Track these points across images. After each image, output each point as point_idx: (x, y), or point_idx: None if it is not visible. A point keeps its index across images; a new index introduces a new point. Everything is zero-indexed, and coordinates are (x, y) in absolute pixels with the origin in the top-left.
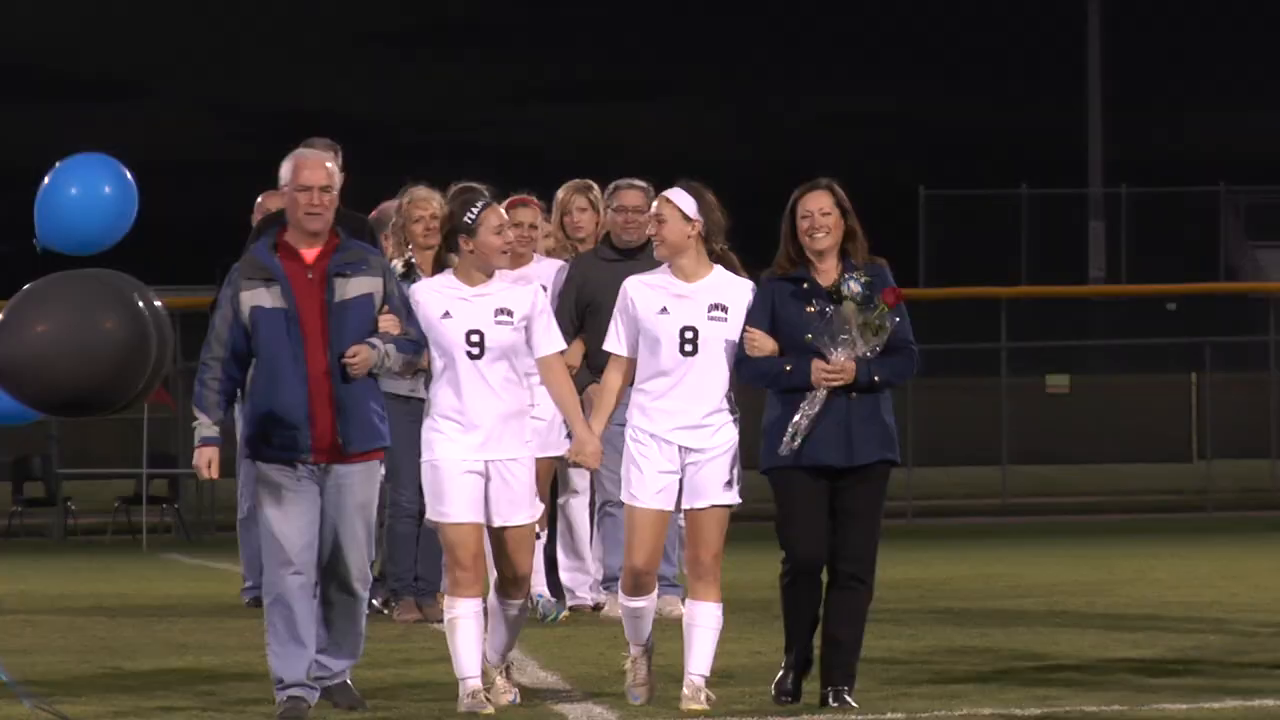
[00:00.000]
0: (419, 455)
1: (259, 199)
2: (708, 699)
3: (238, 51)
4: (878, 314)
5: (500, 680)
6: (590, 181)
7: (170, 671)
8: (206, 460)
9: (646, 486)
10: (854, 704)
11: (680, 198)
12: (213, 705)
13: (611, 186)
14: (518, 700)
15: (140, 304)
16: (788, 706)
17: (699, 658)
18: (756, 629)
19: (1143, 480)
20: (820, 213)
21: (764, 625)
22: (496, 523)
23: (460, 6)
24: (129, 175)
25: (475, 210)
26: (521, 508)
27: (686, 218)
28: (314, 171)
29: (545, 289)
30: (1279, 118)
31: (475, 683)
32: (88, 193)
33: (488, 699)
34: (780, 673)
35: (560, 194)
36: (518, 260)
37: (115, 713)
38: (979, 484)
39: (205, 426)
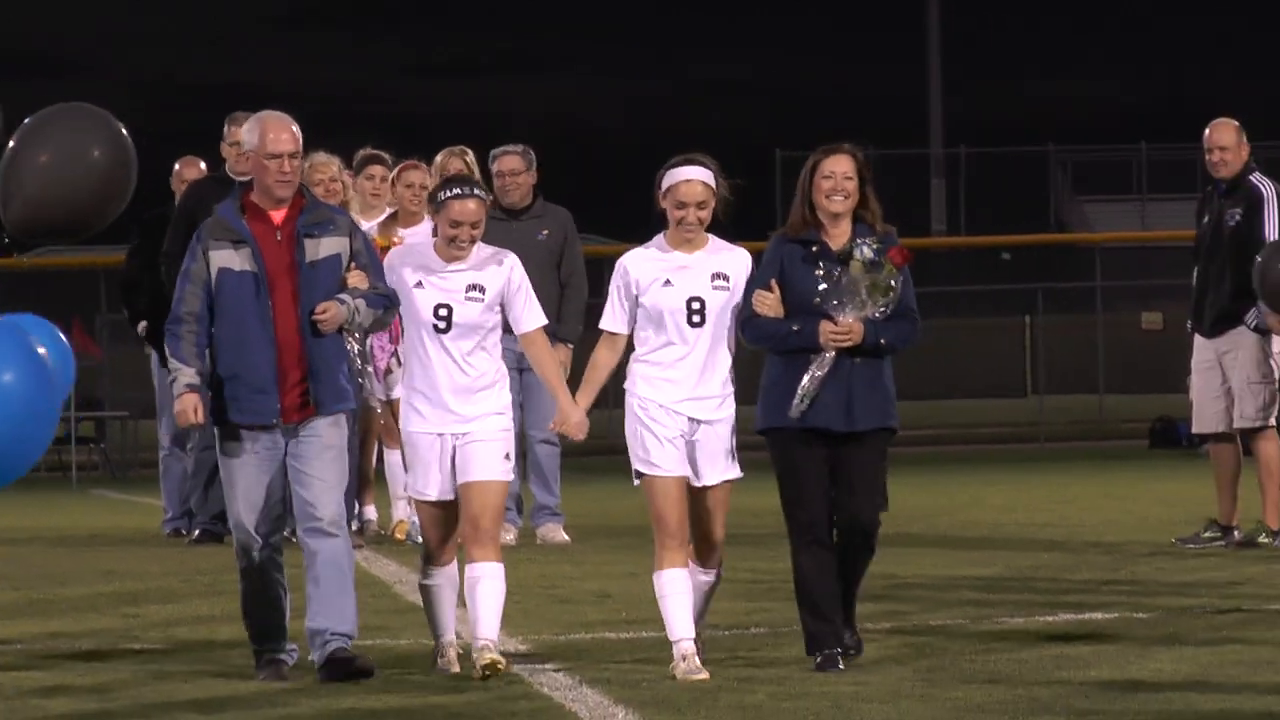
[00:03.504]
0: None
1: (176, 166)
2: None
3: (159, 28)
4: (885, 274)
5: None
6: (465, 147)
7: (99, 595)
8: (193, 406)
9: (666, 454)
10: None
11: (708, 176)
12: (136, 626)
13: (496, 151)
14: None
15: (123, 130)
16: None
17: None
18: (632, 553)
19: (980, 415)
20: (843, 176)
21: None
22: (462, 479)
23: None
24: None
25: (444, 195)
26: (488, 466)
27: (714, 194)
28: (282, 138)
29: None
30: (1103, 83)
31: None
32: None
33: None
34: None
35: (438, 159)
36: (409, 219)
37: (50, 634)
38: None
39: (188, 375)
